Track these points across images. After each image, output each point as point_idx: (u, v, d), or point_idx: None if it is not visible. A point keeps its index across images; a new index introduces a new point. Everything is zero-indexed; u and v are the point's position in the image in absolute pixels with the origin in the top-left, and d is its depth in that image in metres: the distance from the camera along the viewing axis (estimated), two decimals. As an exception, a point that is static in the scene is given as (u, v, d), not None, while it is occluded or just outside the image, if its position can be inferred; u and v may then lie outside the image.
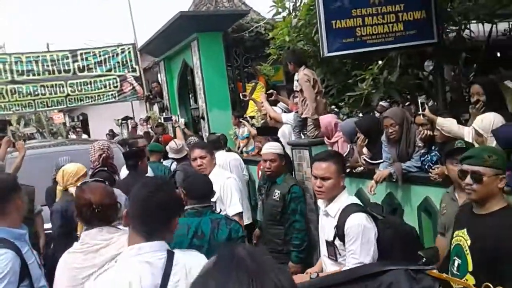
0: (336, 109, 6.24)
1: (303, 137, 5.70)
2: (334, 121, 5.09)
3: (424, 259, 2.42)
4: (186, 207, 3.02)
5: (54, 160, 5.35)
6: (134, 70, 11.89)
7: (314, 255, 5.46)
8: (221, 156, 5.81)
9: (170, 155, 6.34)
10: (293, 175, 5.57)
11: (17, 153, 5.60)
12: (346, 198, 2.97)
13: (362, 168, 4.65)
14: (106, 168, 4.72)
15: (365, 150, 4.56)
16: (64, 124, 26.19)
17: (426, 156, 4.05)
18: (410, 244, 2.78)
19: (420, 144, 4.15)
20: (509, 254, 2.19)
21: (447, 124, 3.69)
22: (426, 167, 3.98)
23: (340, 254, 2.90)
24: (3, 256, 2.42)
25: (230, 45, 8.94)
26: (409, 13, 4.99)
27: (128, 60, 11.91)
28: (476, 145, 3.40)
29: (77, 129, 17.15)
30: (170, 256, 1.89)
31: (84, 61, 11.70)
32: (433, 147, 4.02)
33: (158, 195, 1.91)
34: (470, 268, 2.32)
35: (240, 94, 7.74)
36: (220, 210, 3.57)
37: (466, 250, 2.38)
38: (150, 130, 10.92)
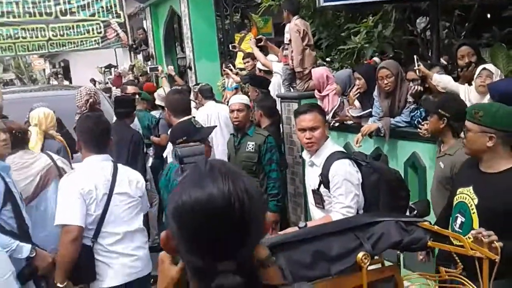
0: (324, 63, 6.13)
1: (292, 90, 5.63)
2: (326, 74, 5.02)
3: (416, 211, 2.43)
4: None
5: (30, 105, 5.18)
6: (118, 16, 11.50)
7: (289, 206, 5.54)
8: (211, 106, 5.71)
9: (157, 102, 6.23)
10: (281, 128, 5.54)
11: None
12: (330, 146, 3.01)
13: (351, 122, 4.63)
14: (92, 114, 4.62)
15: (356, 103, 4.53)
16: (44, 70, 25.54)
17: (416, 111, 4.04)
18: (395, 187, 2.80)
19: (410, 100, 4.15)
20: None
21: (444, 80, 3.66)
22: (415, 122, 3.98)
23: (325, 202, 2.97)
24: None
25: (219, -7, 8.67)
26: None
27: (113, 5, 11.48)
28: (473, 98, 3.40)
29: (59, 76, 16.70)
30: (115, 164, 3.02)
31: (66, 4, 11.24)
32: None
33: (102, 124, 3.04)
34: (476, 227, 2.30)
35: (230, 45, 7.54)
36: None
37: (473, 209, 2.36)
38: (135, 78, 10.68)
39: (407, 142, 4.15)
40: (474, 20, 6.09)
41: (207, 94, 5.95)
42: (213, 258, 0.96)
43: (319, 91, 5.06)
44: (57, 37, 11.33)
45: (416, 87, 4.05)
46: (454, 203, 2.51)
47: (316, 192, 3.01)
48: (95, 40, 11.54)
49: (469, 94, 3.52)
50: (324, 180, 2.89)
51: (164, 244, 1.05)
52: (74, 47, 11.65)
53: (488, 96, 3.30)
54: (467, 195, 2.42)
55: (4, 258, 1.49)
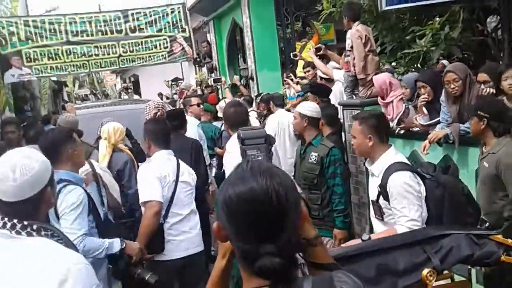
0: (391, 67, 5.96)
1: (354, 97, 5.52)
2: (389, 80, 4.87)
3: (488, 223, 2.28)
4: None
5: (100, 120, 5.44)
6: (183, 31, 11.84)
7: (353, 216, 5.38)
8: (282, 114, 5.77)
9: (220, 113, 6.34)
10: (344, 137, 5.44)
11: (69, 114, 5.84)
12: (391, 157, 2.90)
13: (417, 128, 4.46)
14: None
15: (424, 110, 4.35)
16: (115, 85, 26.80)
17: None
18: (462, 203, 2.66)
19: None
20: None
21: None
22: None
23: (385, 214, 2.89)
24: (75, 190, 2.85)
25: (280, 2, 8.69)
26: (474, -37, 4.64)
27: (178, 20, 11.85)
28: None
29: (129, 90, 17.48)
30: (177, 158, 3.67)
31: (135, 21, 11.76)
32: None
33: (166, 126, 3.83)
34: None
35: (291, 54, 7.54)
36: None
37: None
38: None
39: (478, 149, 3.92)
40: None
41: (278, 102, 6.04)
42: (257, 242, 1.11)
43: (383, 98, 4.92)
44: (127, 53, 11.85)
45: (488, 89, 3.84)
46: None
47: (375, 204, 2.93)
48: (162, 55, 11.96)
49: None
50: (383, 192, 2.81)
51: (216, 233, 1.20)
52: (142, 62, 12.13)
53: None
54: None
55: (90, 272, 1.56)
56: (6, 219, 1.65)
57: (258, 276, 1.12)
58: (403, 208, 2.71)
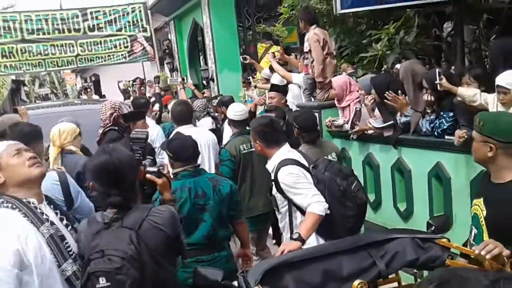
0: (352, 68, 6.00)
1: (313, 99, 5.52)
2: (349, 81, 4.90)
3: (434, 227, 2.28)
4: (176, 170, 3.21)
5: (57, 120, 5.25)
6: (145, 30, 11.67)
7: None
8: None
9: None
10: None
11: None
12: (282, 155, 3.17)
13: (371, 131, 4.49)
14: (116, 128, 4.67)
15: (377, 113, 4.38)
16: (75, 84, 26.15)
17: (436, 121, 3.86)
18: (336, 196, 2.99)
19: (428, 111, 3.95)
20: None
21: (469, 94, 3.46)
22: (439, 131, 3.80)
23: (279, 205, 3.19)
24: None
25: (241, 4, 8.63)
26: (428, -32, 4.70)
27: (139, 20, 11.67)
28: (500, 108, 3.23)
29: (88, 90, 17.07)
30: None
31: (94, 20, 11.50)
32: (441, 113, 3.82)
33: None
34: (486, 238, 2.17)
35: (241, 57, 7.38)
36: None
37: (482, 220, 2.25)
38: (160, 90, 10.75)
39: (431, 152, 3.97)
40: (504, 23, 5.85)
41: (229, 104, 5.90)
42: (108, 188, 2.09)
43: (340, 100, 4.94)
44: (85, 53, 11.58)
45: (428, 96, 3.85)
46: (471, 215, 2.38)
47: (270, 196, 3.23)
48: (122, 55, 11.74)
49: (496, 105, 3.34)
50: (276, 185, 3.10)
51: (91, 187, 2.17)
52: (102, 61, 11.88)
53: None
54: (478, 207, 2.30)
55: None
56: None
57: (110, 207, 2.10)
58: (301, 192, 2.98)
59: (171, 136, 4.17)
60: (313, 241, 2.98)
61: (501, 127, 2.21)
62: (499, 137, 2.18)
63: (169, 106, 6.44)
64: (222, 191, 3.16)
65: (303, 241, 2.77)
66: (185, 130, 4.47)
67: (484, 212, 2.25)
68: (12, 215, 2.00)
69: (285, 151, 3.21)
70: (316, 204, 2.92)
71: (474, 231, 2.30)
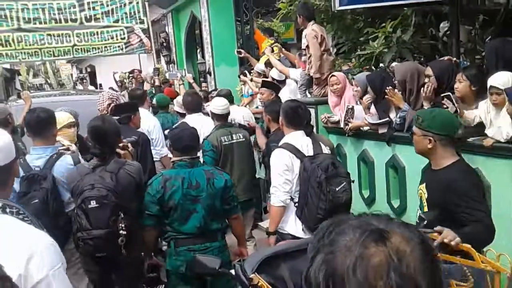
0: (349, 64, 6.06)
1: (309, 95, 5.57)
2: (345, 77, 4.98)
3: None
4: (174, 159, 3.31)
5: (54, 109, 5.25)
6: (142, 22, 11.61)
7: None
8: (234, 110, 5.72)
9: (175, 108, 6.26)
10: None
11: (22, 101, 5.59)
12: (289, 137, 3.43)
13: (367, 128, 4.55)
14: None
15: (372, 109, 4.44)
16: (71, 75, 26.05)
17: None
18: (314, 186, 3.18)
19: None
20: (453, 203, 2.43)
21: (471, 118, 3.54)
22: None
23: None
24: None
25: (239, -2, 8.64)
26: (426, -32, 4.75)
27: (136, 11, 11.60)
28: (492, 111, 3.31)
29: (84, 81, 17.02)
30: None
31: (91, 11, 11.43)
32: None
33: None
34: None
35: (235, 51, 7.39)
36: None
37: (424, 203, 2.63)
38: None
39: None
40: (499, 25, 5.92)
41: (227, 98, 5.94)
42: (95, 144, 3.12)
43: (341, 95, 4.95)
44: (81, 43, 11.51)
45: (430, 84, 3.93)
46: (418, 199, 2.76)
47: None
48: (118, 46, 11.68)
49: (489, 108, 3.40)
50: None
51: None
52: (98, 52, 11.81)
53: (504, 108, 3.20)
54: (421, 191, 2.68)
55: (56, 250, 1.57)
56: None
57: (95, 157, 3.06)
58: (273, 177, 3.33)
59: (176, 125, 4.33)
60: (292, 224, 3.31)
61: (437, 122, 2.56)
62: (436, 130, 2.53)
63: (176, 100, 6.46)
64: (216, 184, 3.21)
65: (274, 233, 3.32)
66: (195, 118, 4.99)
67: (426, 195, 2.63)
68: None
69: (296, 136, 3.44)
70: (272, 196, 3.32)
71: (419, 212, 2.69)
